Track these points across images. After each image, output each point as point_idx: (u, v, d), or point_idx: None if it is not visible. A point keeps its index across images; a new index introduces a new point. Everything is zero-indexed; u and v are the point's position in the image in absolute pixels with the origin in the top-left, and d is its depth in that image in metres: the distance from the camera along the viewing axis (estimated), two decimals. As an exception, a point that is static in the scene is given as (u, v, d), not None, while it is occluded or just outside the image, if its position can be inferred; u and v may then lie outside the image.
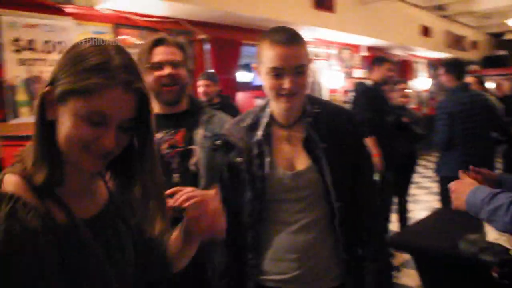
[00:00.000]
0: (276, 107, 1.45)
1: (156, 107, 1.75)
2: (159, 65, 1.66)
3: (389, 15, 8.13)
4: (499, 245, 2.00)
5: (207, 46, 5.71)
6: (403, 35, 8.70)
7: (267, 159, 1.41)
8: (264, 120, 1.46)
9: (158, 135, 1.69)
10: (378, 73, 4.10)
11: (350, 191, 1.44)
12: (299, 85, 1.35)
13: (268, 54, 1.34)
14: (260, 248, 1.44)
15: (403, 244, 2.53)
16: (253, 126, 1.46)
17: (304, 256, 1.40)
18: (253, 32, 6.41)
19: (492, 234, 2.11)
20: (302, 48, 1.36)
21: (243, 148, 1.43)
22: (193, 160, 1.65)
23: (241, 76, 6.21)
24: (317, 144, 1.39)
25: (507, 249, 1.94)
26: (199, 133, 1.68)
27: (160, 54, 1.66)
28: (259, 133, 1.44)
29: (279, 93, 1.36)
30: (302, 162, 1.41)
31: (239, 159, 1.43)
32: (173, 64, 1.67)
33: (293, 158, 1.43)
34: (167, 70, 1.65)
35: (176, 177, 1.64)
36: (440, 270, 2.30)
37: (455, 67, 3.67)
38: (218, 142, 1.49)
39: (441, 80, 3.87)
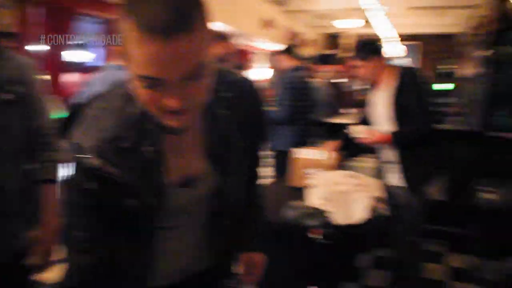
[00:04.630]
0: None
1: None
2: None
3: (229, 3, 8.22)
4: (318, 209, 2.17)
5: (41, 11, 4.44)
6: (244, 24, 8.94)
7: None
8: (137, 125, 0.91)
9: None
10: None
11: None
12: (193, 96, 0.82)
13: (137, 50, 0.74)
14: None
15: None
16: (120, 138, 0.90)
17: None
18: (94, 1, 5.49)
19: (312, 200, 2.28)
20: (197, 32, 0.75)
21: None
22: None
23: (71, 54, 4.80)
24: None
25: (323, 212, 2.12)
26: None
27: None
28: (136, 153, 0.91)
29: (160, 109, 0.82)
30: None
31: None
32: None
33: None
34: None
35: None
36: (270, 240, 2.36)
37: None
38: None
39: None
